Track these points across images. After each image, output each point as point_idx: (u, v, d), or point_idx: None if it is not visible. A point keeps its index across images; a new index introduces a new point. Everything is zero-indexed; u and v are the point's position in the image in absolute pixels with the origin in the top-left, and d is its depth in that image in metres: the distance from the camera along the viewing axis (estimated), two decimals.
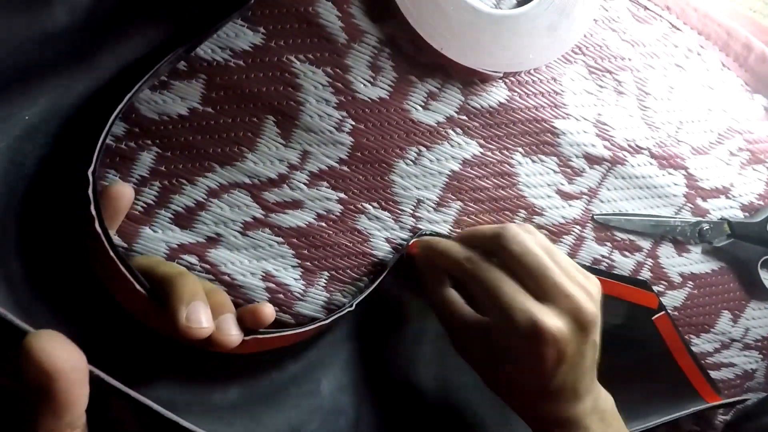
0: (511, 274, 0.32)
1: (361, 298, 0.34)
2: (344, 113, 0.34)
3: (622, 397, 0.41)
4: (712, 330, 0.44)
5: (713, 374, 0.45)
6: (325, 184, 0.35)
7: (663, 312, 0.40)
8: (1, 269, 0.24)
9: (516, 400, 0.34)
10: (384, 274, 0.35)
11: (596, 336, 0.32)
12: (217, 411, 0.30)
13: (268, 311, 0.29)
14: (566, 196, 0.38)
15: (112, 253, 0.25)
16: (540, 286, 0.30)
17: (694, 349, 0.44)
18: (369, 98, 0.34)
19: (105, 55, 0.27)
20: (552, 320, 0.29)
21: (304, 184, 0.35)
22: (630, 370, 0.42)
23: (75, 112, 0.27)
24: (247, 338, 0.28)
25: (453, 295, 0.35)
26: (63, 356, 0.16)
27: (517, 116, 0.36)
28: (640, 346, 0.40)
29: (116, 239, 0.32)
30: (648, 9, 0.37)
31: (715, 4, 0.40)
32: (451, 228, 0.37)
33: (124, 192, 0.31)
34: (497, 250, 0.32)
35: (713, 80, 0.39)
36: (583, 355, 0.31)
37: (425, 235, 0.37)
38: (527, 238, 0.31)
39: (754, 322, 0.45)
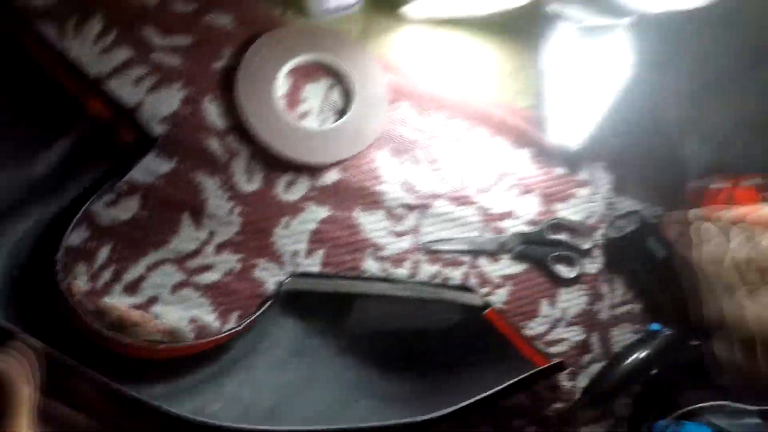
0: None
1: (248, 320, 0.43)
2: (233, 203, 0.46)
3: (474, 380, 0.48)
4: (538, 315, 0.53)
5: (552, 350, 0.53)
6: (227, 251, 0.46)
7: (490, 308, 0.49)
8: None
9: None
10: (266, 306, 0.44)
11: None
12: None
13: None
14: (398, 234, 0.49)
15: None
16: None
17: (529, 332, 0.53)
18: (248, 191, 0.46)
19: (70, 187, 0.39)
20: None
21: (213, 253, 0.46)
22: (473, 357, 0.49)
23: (50, 223, 0.39)
24: (161, 347, 0.38)
25: None
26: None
27: (350, 187, 0.48)
28: (478, 337, 0.49)
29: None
30: (426, 109, 0.51)
31: (479, 95, 0.54)
32: (321, 268, 0.47)
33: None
34: None
35: (485, 145, 0.52)
36: None
37: (297, 275, 0.48)
38: None
39: (567, 303, 0.54)
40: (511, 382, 0.48)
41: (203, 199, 0.47)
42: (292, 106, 0.49)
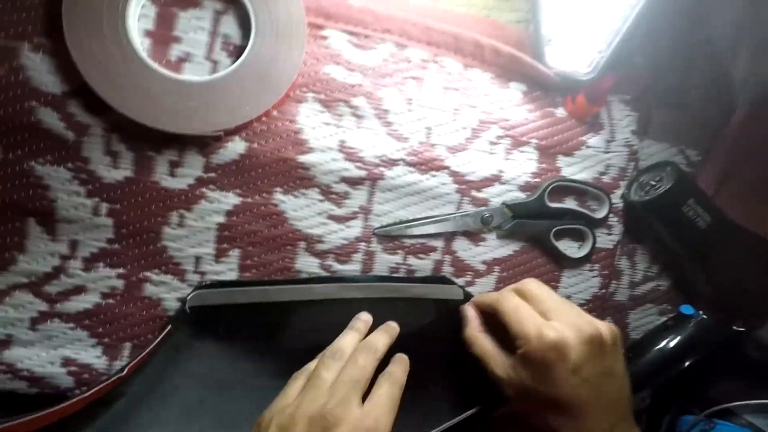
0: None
1: (137, 360, 0.29)
2: (97, 199, 0.30)
3: (449, 384, 0.34)
4: None
5: None
6: (101, 264, 0.30)
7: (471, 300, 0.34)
8: None
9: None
10: (164, 333, 0.29)
11: (616, 365, 0.30)
12: None
13: None
14: (340, 219, 0.33)
15: None
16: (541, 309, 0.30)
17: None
18: (116, 180, 0.30)
19: None
20: (553, 331, 0.28)
21: (81, 269, 0.30)
22: (452, 359, 0.35)
23: None
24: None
25: (490, 341, 0.33)
26: None
27: (263, 161, 0.31)
28: (457, 335, 0.33)
29: None
30: (368, 36, 0.32)
31: (445, 15, 0.34)
32: (238, 274, 0.32)
33: None
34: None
35: (457, 82, 0.33)
36: (603, 377, 0.29)
37: (204, 286, 0.33)
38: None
39: (573, 288, 0.38)
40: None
41: (50, 198, 0.30)
42: (160, 48, 0.31)
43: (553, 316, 0.30)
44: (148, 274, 0.33)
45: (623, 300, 0.42)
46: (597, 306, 0.41)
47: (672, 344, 0.40)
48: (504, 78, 0.38)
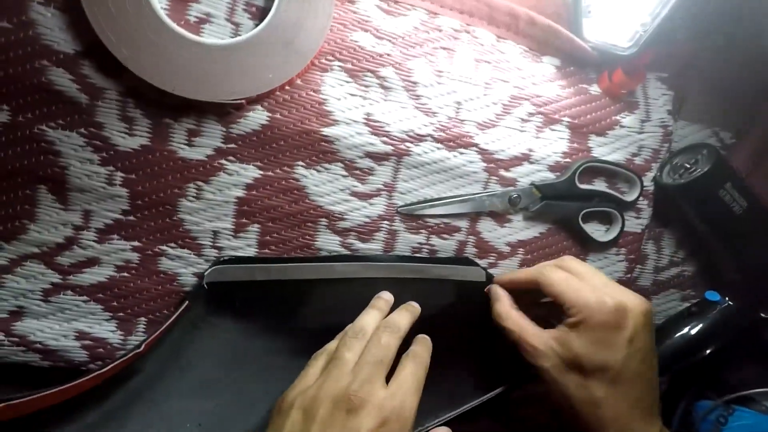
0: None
1: (153, 336, 0.28)
2: (111, 168, 0.28)
3: (470, 366, 0.33)
4: None
5: None
6: (115, 236, 0.29)
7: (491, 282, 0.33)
8: None
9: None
10: (181, 309, 0.28)
11: (653, 343, 0.29)
12: None
13: None
14: (363, 196, 0.31)
15: None
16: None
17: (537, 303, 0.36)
18: (131, 148, 0.28)
19: None
20: (613, 298, 0.28)
21: (94, 241, 0.29)
22: (474, 340, 0.34)
23: None
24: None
25: (523, 318, 0.32)
26: None
27: (285, 133, 0.29)
28: (480, 316, 0.32)
29: None
30: (398, 2, 0.30)
31: None
32: (256, 251, 0.30)
33: None
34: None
35: (488, 54, 0.32)
36: (650, 352, 0.29)
37: (222, 261, 0.32)
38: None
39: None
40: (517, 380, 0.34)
41: (62, 165, 0.28)
42: (179, 7, 0.29)
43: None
44: (164, 247, 0.32)
45: (647, 285, 0.41)
46: None
47: (696, 330, 0.39)
48: (538, 51, 0.36)
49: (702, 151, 0.36)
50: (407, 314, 0.32)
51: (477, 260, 0.36)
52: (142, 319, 0.32)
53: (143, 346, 0.30)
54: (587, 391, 0.28)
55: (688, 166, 0.36)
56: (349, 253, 0.34)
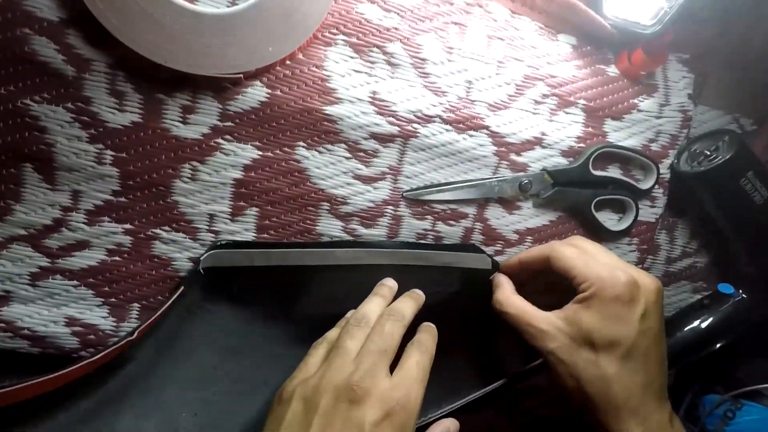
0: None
1: (147, 323, 0.26)
2: (100, 145, 0.26)
3: (473, 357, 0.32)
4: None
5: None
6: (106, 219, 0.27)
7: (498, 270, 0.31)
8: None
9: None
10: (176, 295, 0.27)
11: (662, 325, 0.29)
12: None
13: None
14: (367, 180, 0.30)
15: None
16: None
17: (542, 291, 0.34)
18: (121, 125, 0.26)
19: None
20: (626, 273, 0.28)
21: (84, 223, 0.27)
22: (479, 330, 0.33)
23: None
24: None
25: (525, 302, 0.31)
26: None
27: (285, 111, 0.28)
28: (485, 305, 0.31)
29: None
30: None
31: None
32: (255, 235, 0.29)
33: None
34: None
35: (502, 31, 0.30)
36: (660, 333, 0.28)
37: (219, 246, 0.31)
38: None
39: None
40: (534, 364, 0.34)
41: (48, 142, 0.27)
42: None
43: None
44: (157, 231, 0.30)
45: (658, 276, 0.40)
46: None
47: (707, 323, 0.38)
48: (554, 28, 0.34)
49: (723, 138, 0.34)
50: (411, 302, 0.30)
51: (483, 248, 0.35)
52: (135, 304, 0.31)
53: (136, 333, 0.29)
54: (598, 368, 0.27)
55: (708, 153, 0.35)
56: (351, 239, 0.33)
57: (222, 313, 0.32)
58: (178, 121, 0.29)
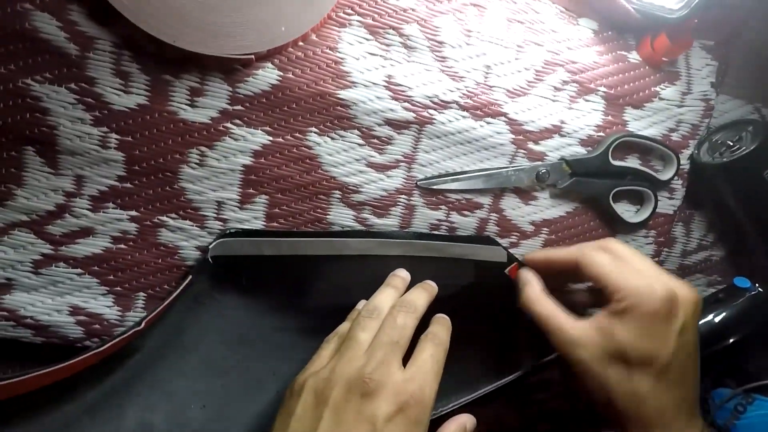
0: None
1: (155, 313, 0.26)
2: (105, 129, 0.25)
3: (488, 351, 0.32)
4: None
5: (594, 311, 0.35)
6: (110, 205, 0.26)
7: (515, 263, 0.30)
8: None
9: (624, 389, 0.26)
10: (184, 284, 0.26)
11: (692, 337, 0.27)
12: None
13: None
14: (381, 168, 0.28)
15: None
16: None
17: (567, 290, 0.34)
18: (127, 108, 0.25)
19: None
20: (665, 286, 0.26)
21: (88, 209, 0.26)
22: (492, 323, 0.32)
23: None
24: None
25: (556, 305, 0.29)
26: None
27: (297, 95, 0.26)
28: (499, 299, 0.30)
29: None
30: None
31: None
32: (264, 224, 0.28)
33: None
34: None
35: (522, 14, 0.28)
36: (696, 346, 0.27)
37: (228, 234, 0.30)
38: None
39: None
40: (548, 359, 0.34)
41: (51, 124, 0.26)
42: None
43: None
44: (164, 218, 0.29)
45: (672, 268, 0.39)
46: None
47: (721, 317, 0.38)
48: (575, 12, 0.33)
49: (747, 128, 0.33)
50: (424, 293, 0.29)
51: (498, 239, 0.34)
52: (141, 294, 0.30)
53: (143, 324, 0.28)
54: (630, 384, 0.26)
55: (731, 143, 0.34)
56: (363, 228, 0.32)
57: (231, 302, 0.31)
58: (186, 104, 0.28)
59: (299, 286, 0.32)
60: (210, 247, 0.30)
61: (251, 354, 0.32)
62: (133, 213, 0.29)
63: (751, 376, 0.41)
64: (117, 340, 0.27)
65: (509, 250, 0.34)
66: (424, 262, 0.32)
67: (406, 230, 0.33)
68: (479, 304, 0.33)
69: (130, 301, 0.30)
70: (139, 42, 0.26)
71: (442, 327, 0.28)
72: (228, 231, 0.30)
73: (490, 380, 0.34)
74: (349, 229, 0.32)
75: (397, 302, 0.28)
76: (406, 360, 0.26)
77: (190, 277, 0.30)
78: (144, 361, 0.29)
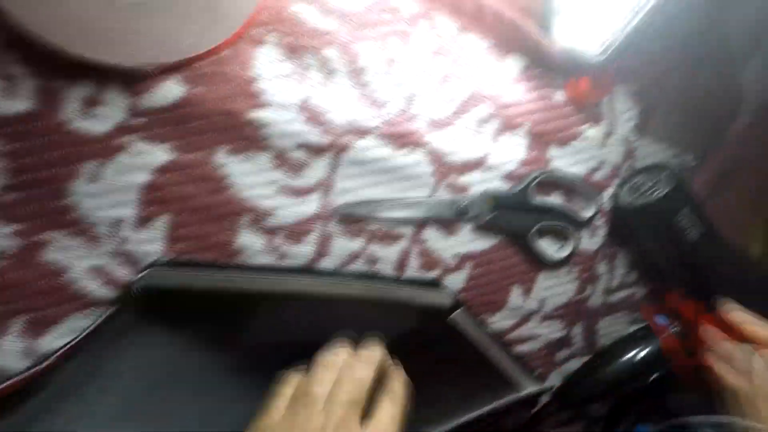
0: None
1: (66, 347, 0.23)
2: None
3: (435, 397, 0.32)
4: (505, 307, 0.33)
5: (518, 348, 0.34)
6: None
7: (460, 309, 0.29)
8: None
9: None
10: (104, 317, 0.24)
11: None
12: None
13: None
14: (295, 193, 0.27)
15: None
16: None
17: (492, 327, 0.33)
18: (11, 113, 0.22)
19: None
20: None
21: None
22: (439, 369, 0.33)
23: None
24: None
25: None
26: None
27: (205, 111, 0.25)
28: (444, 345, 0.30)
29: None
30: None
31: None
32: (166, 245, 0.26)
33: None
34: None
35: (447, 47, 0.28)
36: None
37: (158, 264, 0.28)
38: None
39: (548, 291, 0.34)
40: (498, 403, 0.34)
41: None
42: None
43: None
44: (51, 234, 0.27)
45: (596, 306, 0.40)
46: (571, 311, 0.38)
47: (642, 355, 0.38)
48: (502, 49, 0.33)
49: (663, 172, 0.34)
50: (380, 343, 0.28)
51: (422, 272, 0.33)
52: (21, 317, 0.27)
53: (53, 358, 0.25)
54: None
55: (649, 186, 0.34)
56: (276, 255, 0.30)
57: (156, 338, 0.29)
58: (79, 115, 0.26)
59: (234, 322, 0.30)
60: (137, 277, 0.27)
61: (176, 395, 0.29)
62: (17, 227, 0.26)
63: (673, 414, 0.42)
64: (16, 379, 0.24)
65: (456, 294, 0.33)
66: (370, 305, 0.31)
67: (350, 270, 0.31)
68: (426, 346, 0.32)
69: (4, 325, 0.27)
70: (27, 44, 0.24)
71: (399, 383, 0.27)
72: (157, 261, 0.28)
73: (442, 422, 0.33)
74: (287, 265, 0.30)
75: (354, 356, 0.27)
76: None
77: (112, 309, 0.27)
78: (52, 398, 0.26)
